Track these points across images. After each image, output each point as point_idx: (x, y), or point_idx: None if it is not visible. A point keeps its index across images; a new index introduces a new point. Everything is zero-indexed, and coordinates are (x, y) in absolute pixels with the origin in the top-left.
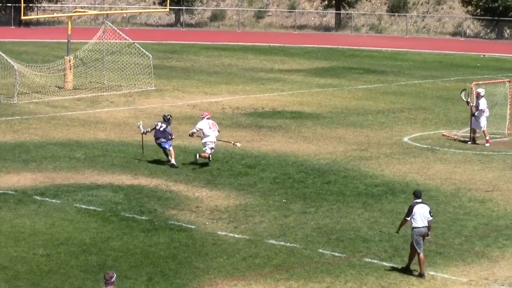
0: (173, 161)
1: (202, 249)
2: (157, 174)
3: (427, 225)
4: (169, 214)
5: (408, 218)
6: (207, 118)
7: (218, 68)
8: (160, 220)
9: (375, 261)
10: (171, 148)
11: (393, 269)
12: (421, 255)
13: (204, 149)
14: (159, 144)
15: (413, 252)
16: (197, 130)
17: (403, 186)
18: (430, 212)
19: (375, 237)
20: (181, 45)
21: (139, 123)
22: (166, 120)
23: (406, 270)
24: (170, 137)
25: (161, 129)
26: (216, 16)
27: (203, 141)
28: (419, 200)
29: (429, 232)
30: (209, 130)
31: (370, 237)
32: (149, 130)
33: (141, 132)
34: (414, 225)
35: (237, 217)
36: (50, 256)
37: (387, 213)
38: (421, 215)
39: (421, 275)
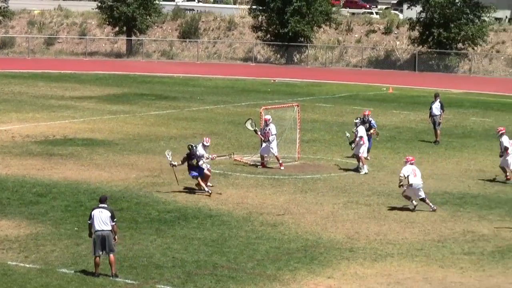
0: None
1: None
2: None
3: (108, 229)
4: None
5: (90, 222)
6: None
7: (7, 96)
8: None
9: None
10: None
11: None
12: (111, 256)
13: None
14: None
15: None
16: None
17: (196, 211)
18: (112, 217)
19: (168, 263)
20: None
21: (168, 154)
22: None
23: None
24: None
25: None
26: (5, 43)
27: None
28: (102, 205)
29: (115, 237)
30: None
31: (163, 263)
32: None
33: (170, 164)
34: (94, 229)
35: (28, 246)
36: None
37: (180, 239)
38: (99, 219)
39: (115, 276)
